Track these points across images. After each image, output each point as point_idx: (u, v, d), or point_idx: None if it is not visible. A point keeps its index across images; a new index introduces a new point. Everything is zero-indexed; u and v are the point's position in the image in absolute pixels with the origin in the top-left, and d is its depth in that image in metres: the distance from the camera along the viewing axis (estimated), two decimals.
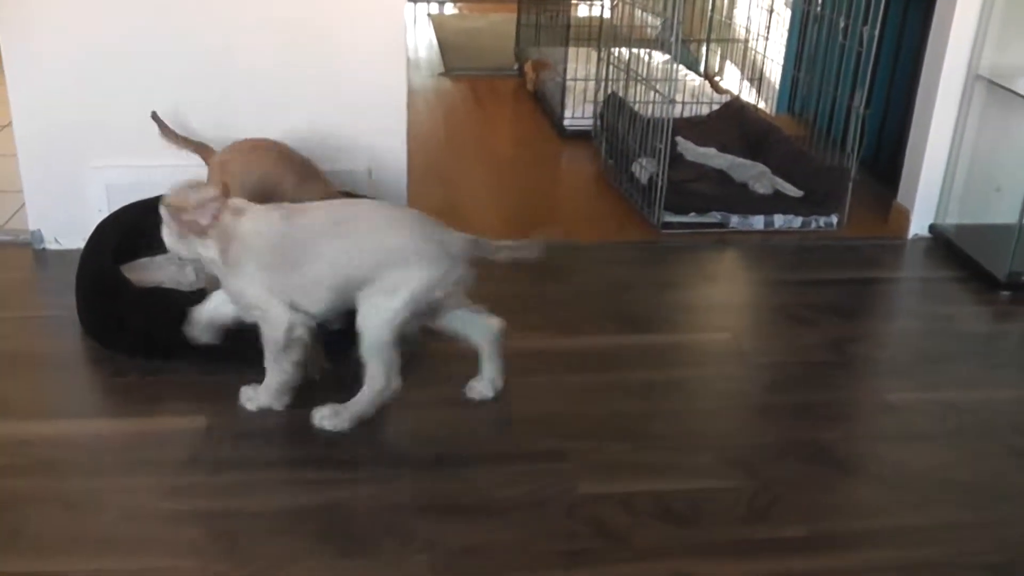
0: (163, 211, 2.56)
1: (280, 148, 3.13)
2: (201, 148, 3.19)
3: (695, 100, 4.99)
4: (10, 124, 3.51)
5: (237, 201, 2.60)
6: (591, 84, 4.89)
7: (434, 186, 4.23)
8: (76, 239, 3.50)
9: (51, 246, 3.60)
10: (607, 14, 4.87)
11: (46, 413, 2.72)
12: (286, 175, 3.04)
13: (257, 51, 3.44)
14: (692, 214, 3.89)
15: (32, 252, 3.59)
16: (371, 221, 2.60)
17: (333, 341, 2.79)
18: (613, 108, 4.46)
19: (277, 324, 2.56)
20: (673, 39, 3.86)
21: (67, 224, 3.55)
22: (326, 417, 2.58)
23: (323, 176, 3.13)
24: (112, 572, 2.14)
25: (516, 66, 6.21)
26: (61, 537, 2.23)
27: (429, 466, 2.49)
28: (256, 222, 2.56)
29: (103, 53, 3.40)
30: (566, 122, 4.99)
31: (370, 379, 2.56)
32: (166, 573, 2.13)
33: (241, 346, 2.76)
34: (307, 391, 2.69)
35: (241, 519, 2.28)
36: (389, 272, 2.50)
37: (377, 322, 2.51)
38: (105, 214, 3.41)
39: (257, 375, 2.73)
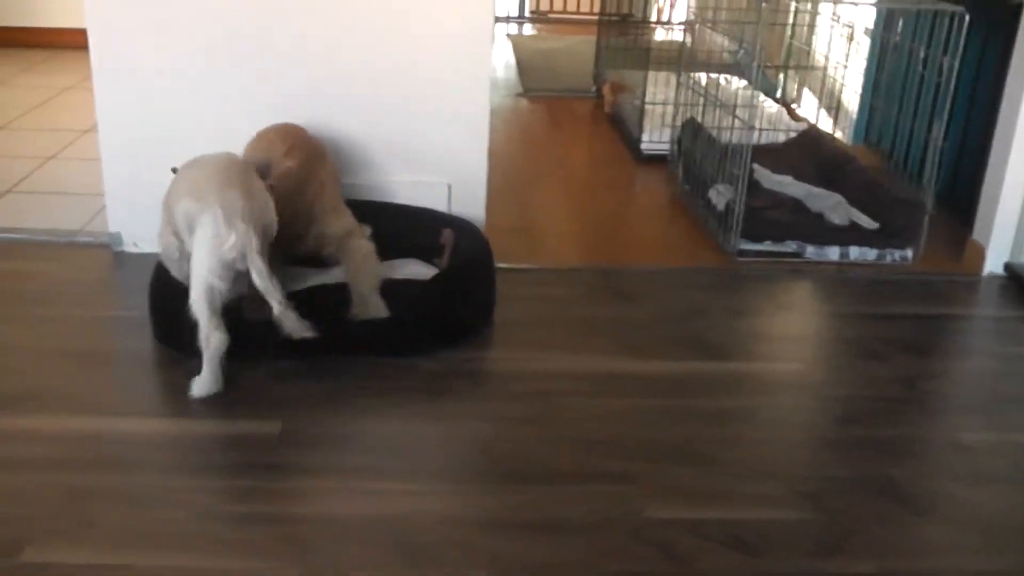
0: None
1: (289, 130, 3.26)
2: None
3: (772, 127, 4.97)
4: (95, 128, 3.57)
5: None
6: (669, 108, 4.90)
7: (511, 204, 4.26)
8: (154, 244, 3.55)
9: (130, 249, 3.67)
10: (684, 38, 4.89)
11: (120, 410, 2.77)
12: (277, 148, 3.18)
13: (343, 67, 3.49)
14: (768, 242, 3.88)
15: (111, 254, 3.66)
16: (190, 178, 2.85)
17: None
18: (690, 133, 4.46)
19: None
20: (754, 65, 3.85)
21: (146, 229, 3.60)
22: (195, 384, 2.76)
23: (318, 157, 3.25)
24: (178, 570, 2.16)
25: (594, 88, 6.23)
26: (129, 532, 2.26)
27: (496, 482, 2.50)
28: None
29: (190, 62, 3.47)
30: (643, 145, 5.00)
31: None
32: (231, 574, 2.15)
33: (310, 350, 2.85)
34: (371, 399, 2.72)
35: (307, 525, 2.30)
36: (191, 232, 2.76)
37: (191, 281, 2.74)
38: None
39: (331, 382, 2.77)
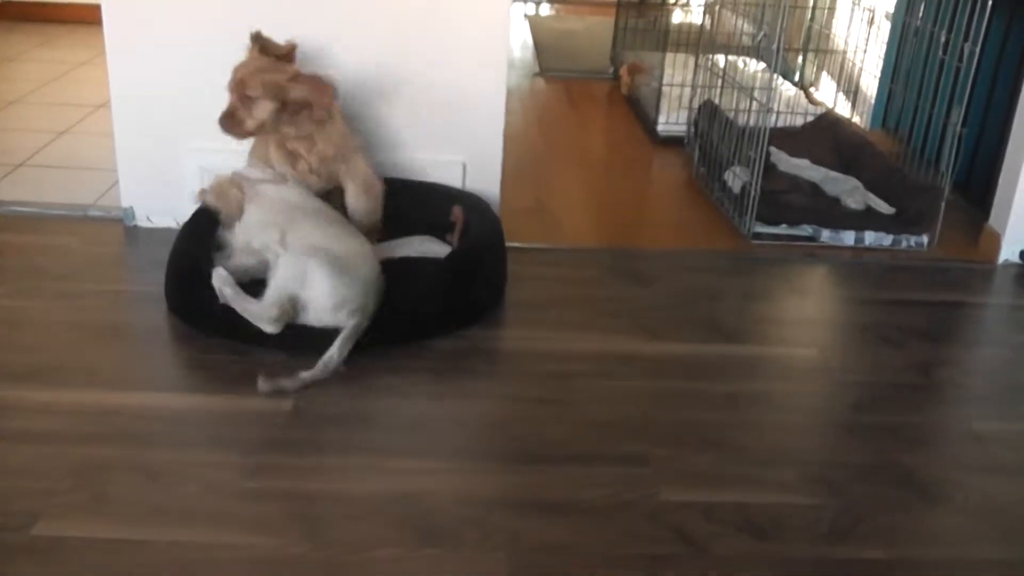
0: None
1: None
2: None
3: (789, 110, 4.95)
4: (108, 103, 3.57)
5: None
6: (686, 90, 4.88)
7: (526, 184, 4.25)
8: (167, 218, 3.58)
9: (142, 223, 3.67)
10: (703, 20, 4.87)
11: (133, 385, 2.76)
12: None
13: (360, 42, 3.48)
14: (783, 226, 3.87)
15: (123, 228, 3.67)
16: (336, 240, 2.98)
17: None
18: (707, 115, 4.45)
19: None
20: (775, 48, 3.83)
21: (159, 203, 3.62)
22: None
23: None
24: (191, 545, 2.16)
25: (611, 69, 6.21)
26: (143, 507, 2.26)
27: (512, 462, 2.50)
28: None
29: (204, 35, 3.46)
30: (660, 127, 4.99)
31: None
32: (245, 550, 2.15)
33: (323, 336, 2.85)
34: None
35: (322, 502, 2.30)
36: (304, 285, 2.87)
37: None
38: None
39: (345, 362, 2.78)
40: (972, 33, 3.72)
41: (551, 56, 6.64)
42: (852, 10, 5.29)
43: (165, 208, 3.60)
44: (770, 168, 4.13)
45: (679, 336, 3.14)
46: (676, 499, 2.37)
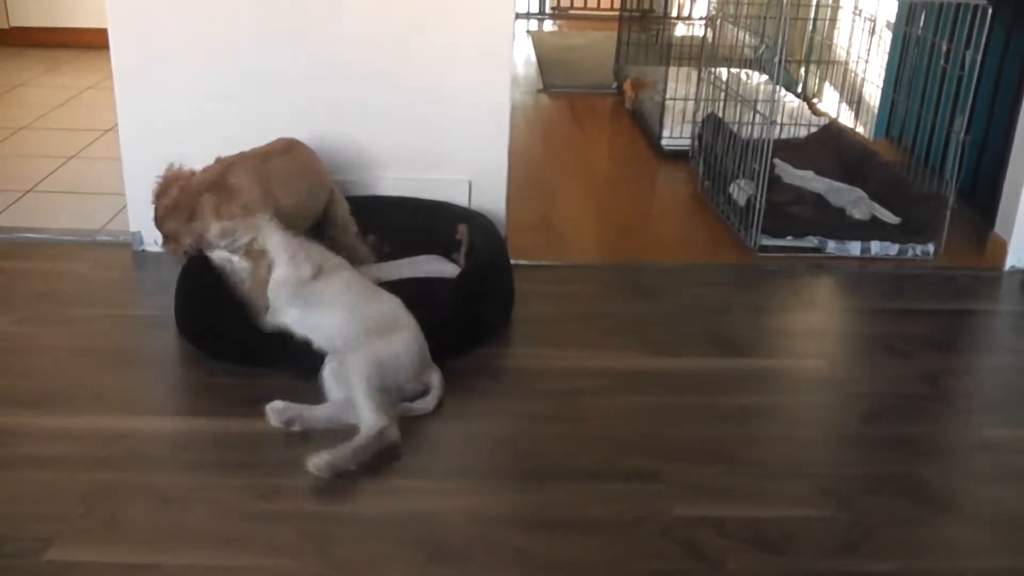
0: None
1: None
2: None
3: (793, 122, 4.96)
4: (116, 128, 3.58)
5: None
6: (690, 104, 4.89)
7: (531, 200, 4.26)
8: None
9: (150, 248, 3.67)
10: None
11: (143, 409, 2.77)
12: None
13: (365, 64, 3.49)
14: (789, 238, 3.87)
15: (131, 253, 3.68)
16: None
17: None
18: (711, 128, 4.46)
19: None
20: (777, 60, 3.83)
21: None
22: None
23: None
24: (204, 569, 2.17)
25: (615, 84, 6.22)
26: (154, 531, 2.27)
27: (522, 480, 2.50)
28: None
29: (210, 61, 3.48)
30: (664, 141, 5.00)
31: None
32: (257, 572, 2.16)
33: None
34: None
35: (333, 523, 2.31)
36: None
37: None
38: None
39: None
40: (973, 41, 3.73)
41: (554, 72, 6.66)
42: (853, 21, 5.30)
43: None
44: (775, 180, 4.13)
45: (687, 351, 3.14)
46: (687, 514, 2.37)
